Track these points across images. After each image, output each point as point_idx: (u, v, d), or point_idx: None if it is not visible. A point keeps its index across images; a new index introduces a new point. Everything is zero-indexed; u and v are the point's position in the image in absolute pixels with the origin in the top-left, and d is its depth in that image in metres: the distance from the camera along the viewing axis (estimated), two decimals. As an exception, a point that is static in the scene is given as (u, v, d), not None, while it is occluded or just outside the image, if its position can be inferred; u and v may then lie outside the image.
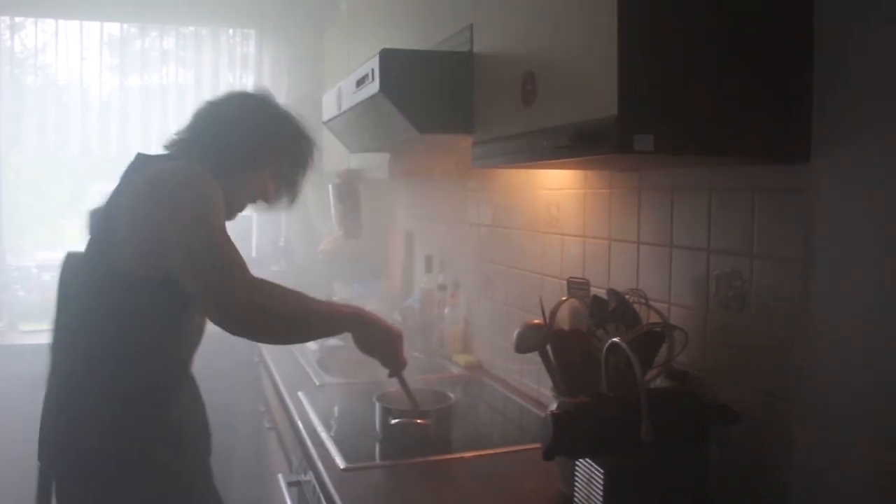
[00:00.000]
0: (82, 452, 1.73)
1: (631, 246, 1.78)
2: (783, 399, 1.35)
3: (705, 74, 1.22)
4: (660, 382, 1.52)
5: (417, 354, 2.88)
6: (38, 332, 3.44)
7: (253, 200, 1.96)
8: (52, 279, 2.57)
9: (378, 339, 1.84)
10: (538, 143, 1.36)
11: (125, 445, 1.73)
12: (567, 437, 1.27)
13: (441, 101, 1.75)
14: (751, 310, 1.43)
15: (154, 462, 1.75)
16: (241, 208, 1.95)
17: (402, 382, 1.93)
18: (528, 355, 1.70)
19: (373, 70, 1.76)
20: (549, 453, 1.28)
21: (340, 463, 1.76)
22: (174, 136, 1.87)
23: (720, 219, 1.51)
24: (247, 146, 1.84)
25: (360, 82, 1.88)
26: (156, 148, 1.92)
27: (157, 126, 3.90)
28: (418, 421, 1.89)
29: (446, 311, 2.88)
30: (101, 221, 1.74)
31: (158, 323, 1.75)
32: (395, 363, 1.89)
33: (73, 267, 1.86)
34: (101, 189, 1.89)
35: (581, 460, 1.37)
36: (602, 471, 1.29)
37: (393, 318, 3.05)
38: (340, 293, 3.48)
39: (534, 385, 2.30)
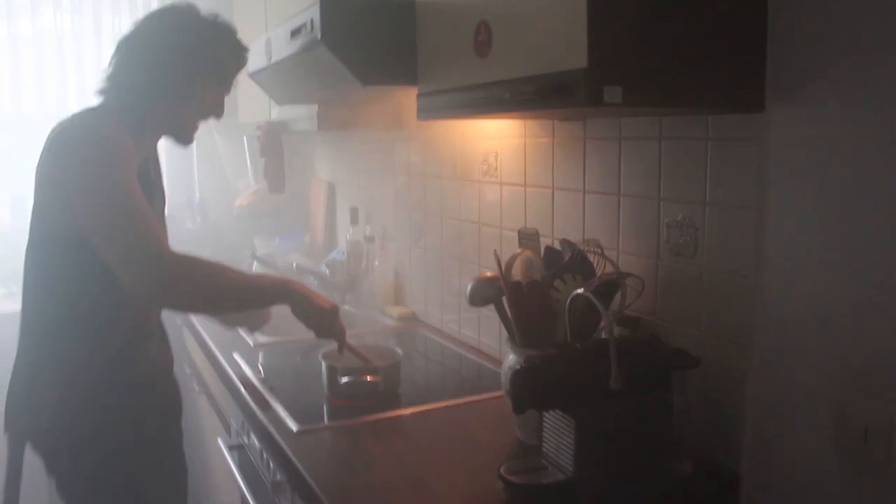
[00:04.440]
0: (50, 421, 1.73)
1: (576, 195, 1.79)
2: (737, 343, 1.39)
3: (667, 25, 1.21)
4: (614, 330, 1.54)
5: (348, 308, 2.86)
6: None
7: (204, 118, 1.85)
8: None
9: (313, 312, 1.81)
10: (499, 96, 1.33)
11: (88, 411, 1.74)
12: (537, 389, 1.27)
13: (384, 51, 1.69)
14: (704, 256, 1.46)
15: (120, 425, 1.76)
16: (193, 130, 1.86)
17: (350, 348, 1.91)
18: (466, 305, 1.71)
19: (312, 19, 1.69)
20: (521, 407, 1.28)
21: (293, 425, 1.72)
22: (104, 78, 1.78)
23: (670, 168, 1.52)
24: (176, 68, 1.74)
25: (296, 32, 1.81)
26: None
27: (55, 79, 3.66)
28: (368, 378, 1.86)
29: (376, 262, 2.85)
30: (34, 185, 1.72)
31: (96, 285, 1.69)
32: (333, 333, 1.87)
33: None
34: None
35: (550, 412, 1.38)
36: (573, 421, 1.30)
37: (320, 270, 3.01)
38: (261, 248, 3.40)
39: (473, 335, 2.31)
